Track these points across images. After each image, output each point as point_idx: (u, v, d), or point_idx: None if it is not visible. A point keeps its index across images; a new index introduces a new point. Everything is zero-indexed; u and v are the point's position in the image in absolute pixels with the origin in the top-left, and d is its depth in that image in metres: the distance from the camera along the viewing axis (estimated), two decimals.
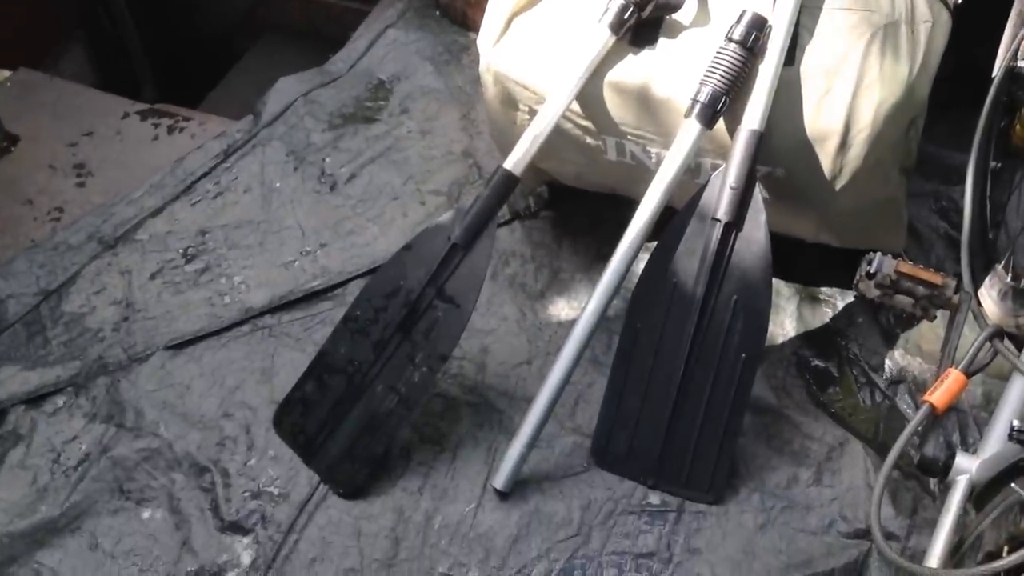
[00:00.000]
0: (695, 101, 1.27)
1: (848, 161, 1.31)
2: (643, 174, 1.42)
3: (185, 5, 2.47)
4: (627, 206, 1.43)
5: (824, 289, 1.54)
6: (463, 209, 1.35)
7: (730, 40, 1.26)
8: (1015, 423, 0.95)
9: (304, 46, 2.28)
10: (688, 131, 1.28)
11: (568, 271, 1.58)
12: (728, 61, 1.25)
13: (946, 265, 1.54)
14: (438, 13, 2.03)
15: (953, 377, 0.99)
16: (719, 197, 1.28)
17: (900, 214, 1.44)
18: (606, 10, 1.32)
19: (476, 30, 1.97)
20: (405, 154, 1.76)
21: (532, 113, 1.42)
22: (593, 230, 1.62)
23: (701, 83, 1.27)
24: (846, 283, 1.53)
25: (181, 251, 1.63)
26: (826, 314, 1.51)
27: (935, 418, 1.00)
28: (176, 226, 1.67)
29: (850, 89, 1.26)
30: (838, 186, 1.33)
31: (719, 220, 1.27)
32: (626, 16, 1.32)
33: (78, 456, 1.37)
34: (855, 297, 1.51)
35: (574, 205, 1.64)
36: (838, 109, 1.27)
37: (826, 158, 1.31)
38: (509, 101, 1.44)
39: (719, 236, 1.27)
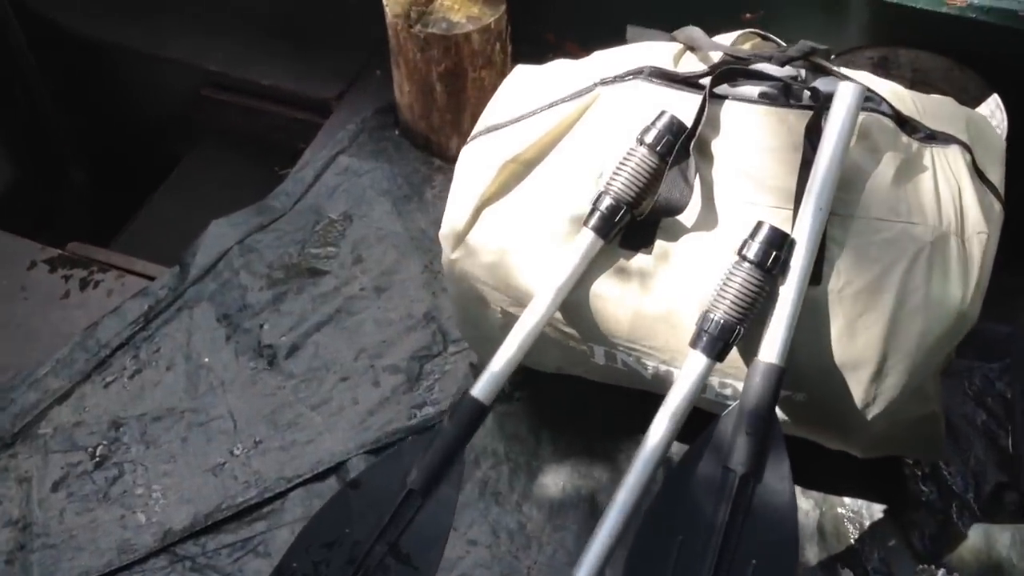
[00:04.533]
0: (702, 331, 1.04)
1: (883, 391, 1.09)
2: (637, 378, 1.21)
3: (113, 97, 2.21)
4: (616, 391, 1.23)
5: (847, 500, 1.32)
6: (421, 442, 1.12)
7: (743, 259, 1.03)
8: None
9: (247, 153, 2.03)
10: (695, 364, 1.05)
11: (550, 473, 1.35)
12: (740, 284, 1.03)
13: (987, 471, 1.33)
14: (397, 133, 1.79)
15: None
16: (733, 443, 1.05)
17: (938, 426, 1.22)
18: (593, 211, 1.09)
19: (440, 156, 1.75)
20: (358, 318, 1.52)
21: (506, 315, 1.19)
22: (577, 418, 1.39)
23: (709, 310, 1.04)
24: (873, 493, 1.33)
25: (90, 451, 1.38)
26: (850, 532, 1.29)
27: None
28: (86, 415, 1.42)
29: (888, 314, 1.05)
30: (870, 415, 1.12)
31: (734, 471, 1.05)
32: (617, 219, 1.09)
33: None
34: (884, 513, 1.30)
35: (554, 387, 1.41)
36: (873, 336, 1.06)
37: (857, 387, 1.09)
38: (479, 300, 1.21)
39: (734, 490, 1.05)
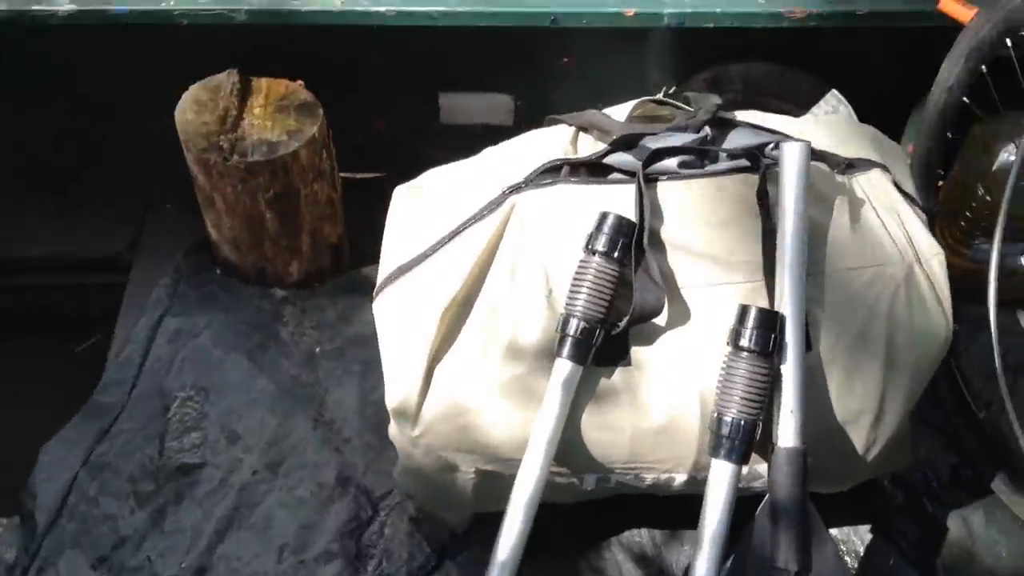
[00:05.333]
0: (722, 437, 0.95)
1: (883, 431, 1.07)
2: (630, 491, 1.10)
3: None
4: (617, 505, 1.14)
5: (834, 531, 1.29)
6: None
7: (740, 349, 0.95)
8: None
9: (31, 342, 1.67)
10: (722, 474, 0.96)
11: None
12: (746, 377, 0.95)
13: (938, 456, 1.36)
14: (219, 272, 1.55)
15: None
16: (776, 541, 0.97)
17: (908, 439, 1.22)
18: (563, 339, 0.97)
19: (280, 284, 1.53)
20: (262, 509, 1.28)
21: (481, 473, 1.04)
22: (553, 538, 1.24)
23: (721, 412, 0.96)
24: (854, 516, 1.32)
25: None
26: (850, 563, 1.27)
27: None
28: None
29: (881, 359, 1.01)
30: (870, 457, 1.09)
31: (785, 570, 0.97)
32: (593, 340, 0.97)
33: None
34: (871, 532, 1.29)
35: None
36: (871, 384, 1.02)
37: (858, 436, 1.06)
38: (447, 468, 1.04)
39: None
